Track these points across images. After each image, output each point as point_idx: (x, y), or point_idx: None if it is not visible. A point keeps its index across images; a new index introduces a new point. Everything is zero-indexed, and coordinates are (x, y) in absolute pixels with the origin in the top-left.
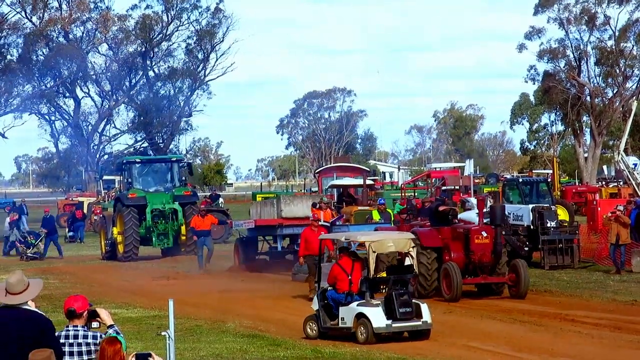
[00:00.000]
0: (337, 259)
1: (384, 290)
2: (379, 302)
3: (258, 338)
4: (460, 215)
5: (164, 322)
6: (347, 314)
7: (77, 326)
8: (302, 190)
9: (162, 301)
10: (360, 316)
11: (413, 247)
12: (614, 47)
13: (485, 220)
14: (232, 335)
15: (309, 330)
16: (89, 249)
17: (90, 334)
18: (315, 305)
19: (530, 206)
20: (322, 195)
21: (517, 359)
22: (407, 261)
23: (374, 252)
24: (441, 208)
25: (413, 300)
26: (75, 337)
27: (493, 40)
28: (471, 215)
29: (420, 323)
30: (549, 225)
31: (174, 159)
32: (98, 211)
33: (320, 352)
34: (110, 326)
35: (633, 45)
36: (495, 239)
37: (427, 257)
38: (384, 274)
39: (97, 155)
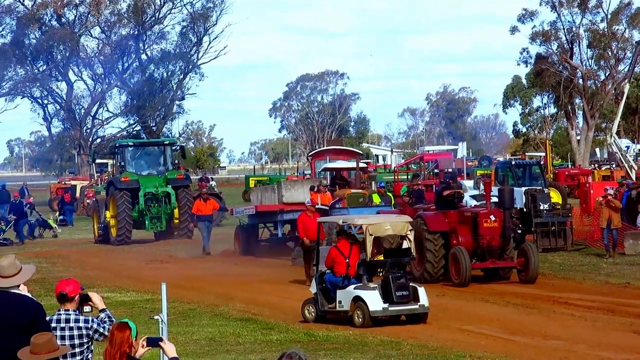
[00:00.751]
0: (336, 241)
1: (381, 274)
2: (376, 285)
3: (251, 322)
4: None
5: (157, 305)
6: (344, 297)
7: (68, 310)
8: (295, 174)
9: (154, 285)
10: (357, 299)
11: (411, 230)
12: (606, 29)
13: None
14: (225, 319)
15: (307, 313)
16: (81, 232)
17: (81, 317)
18: (313, 289)
19: (523, 189)
20: (322, 179)
21: (510, 341)
22: (405, 244)
23: (371, 235)
24: (446, 192)
25: (410, 284)
26: (67, 321)
27: (486, 23)
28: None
29: (417, 307)
30: (541, 207)
31: (167, 142)
32: (91, 195)
33: (314, 335)
34: (103, 310)
35: (625, 28)
36: (504, 222)
37: (434, 242)
38: (381, 257)
39: (90, 139)
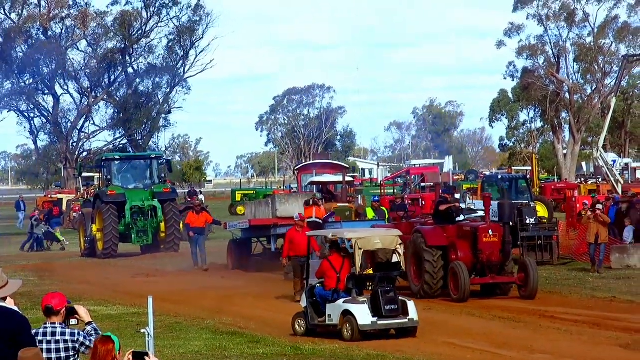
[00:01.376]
0: (328, 254)
1: (370, 288)
2: (365, 299)
3: (238, 335)
4: None
5: (143, 319)
6: (333, 311)
7: (54, 323)
8: (282, 187)
9: (141, 298)
10: (346, 313)
11: (400, 244)
12: (592, 43)
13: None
14: (212, 333)
15: (297, 327)
16: (67, 246)
17: (68, 331)
18: (303, 302)
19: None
20: (316, 192)
21: (496, 355)
22: (395, 258)
23: (360, 248)
24: (443, 207)
25: (399, 298)
26: (53, 334)
27: (472, 37)
28: None
29: (406, 320)
30: (528, 222)
31: (153, 155)
32: (77, 208)
33: (300, 349)
34: (89, 323)
35: (612, 42)
36: (503, 237)
37: (433, 256)
38: (370, 271)
39: (76, 152)
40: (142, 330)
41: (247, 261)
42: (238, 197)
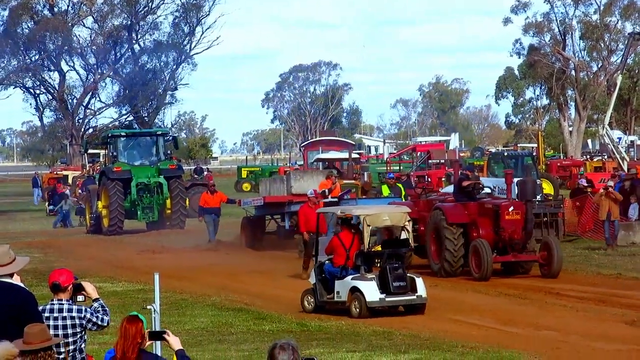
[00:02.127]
0: (339, 231)
1: (378, 264)
2: (374, 276)
3: (243, 312)
4: (444, 189)
5: (149, 295)
6: (342, 288)
7: (62, 300)
8: (288, 164)
9: (146, 275)
10: (355, 290)
11: (409, 221)
12: (598, 21)
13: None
14: (218, 309)
15: (306, 303)
16: (73, 222)
17: (75, 307)
18: (312, 279)
19: (516, 180)
20: (331, 170)
21: (502, 332)
22: (403, 235)
23: (369, 225)
24: (465, 183)
25: (408, 274)
26: (60, 310)
27: (479, 14)
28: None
29: (414, 297)
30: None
31: (159, 132)
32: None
33: (306, 325)
34: (96, 300)
35: (618, 20)
36: (526, 215)
37: (454, 234)
38: (378, 248)
39: (82, 129)
40: (148, 307)
41: (260, 239)
42: (244, 174)
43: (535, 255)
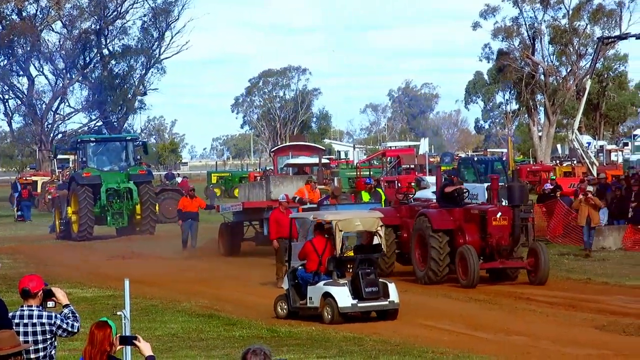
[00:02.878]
0: (312, 237)
1: (351, 270)
2: (346, 281)
3: (214, 318)
4: (416, 195)
5: (119, 301)
6: (314, 294)
7: (32, 306)
8: (258, 169)
9: (116, 281)
10: (327, 295)
11: (381, 226)
12: (567, 25)
13: (429, 198)
14: (188, 315)
15: (279, 309)
16: (42, 228)
17: (45, 313)
18: (285, 285)
19: (485, 185)
20: (310, 176)
21: (472, 337)
22: (376, 240)
23: (341, 230)
24: (448, 189)
25: (380, 280)
26: (30, 317)
27: (448, 19)
28: (427, 194)
29: (387, 303)
30: (503, 203)
31: (129, 137)
32: (52, 190)
33: (277, 331)
34: (66, 306)
35: (587, 24)
36: (513, 220)
37: (439, 241)
38: (351, 253)
39: (51, 134)
40: (119, 313)
41: (238, 245)
42: (214, 180)
43: (523, 261)
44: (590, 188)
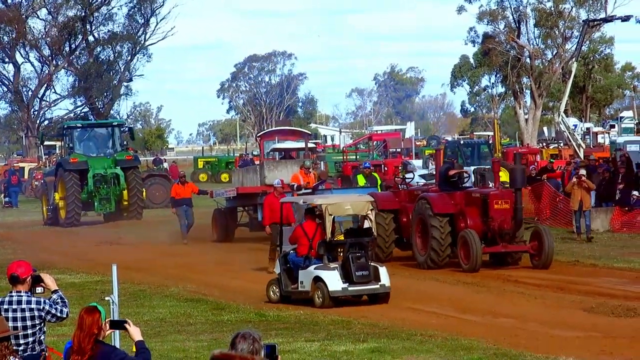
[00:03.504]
0: (303, 221)
1: (341, 254)
2: (336, 265)
3: (202, 302)
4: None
5: (107, 287)
6: (305, 278)
7: (20, 292)
8: (244, 154)
9: (104, 266)
10: (317, 280)
11: (372, 210)
12: (553, 8)
13: (421, 182)
14: (176, 300)
15: (271, 293)
16: (29, 214)
17: (33, 299)
18: (277, 269)
19: (472, 168)
20: (309, 159)
21: (460, 320)
22: (366, 224)
23: (330, 214)
24: (450, 172)
25: (371, 264)
26: (19, 302)
27: (433, 2)
28: (412, 178)
29: (378, 286)
30: (490, 186)
31: (115, 123)
32: (39, 177)
33: (264, 315)
34: (55, 291)
35: (572, 7)
36: (516, 204)
37: (440, 225)
38: (341, 237)
39: (38, 121)
40: (107, 298)
41: (232, 231)
42: (200, 165)
43: (526, 245)
44: (583, 172)
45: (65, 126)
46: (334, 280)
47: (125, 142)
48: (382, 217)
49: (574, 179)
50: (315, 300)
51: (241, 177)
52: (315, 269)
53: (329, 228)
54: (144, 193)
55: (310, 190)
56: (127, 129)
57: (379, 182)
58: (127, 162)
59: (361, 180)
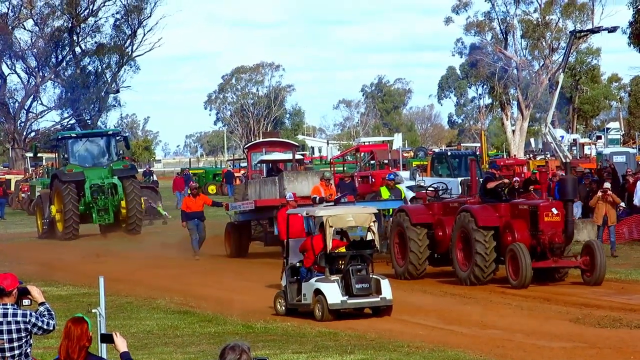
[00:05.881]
0: (316, 233)
1: (342, 266)
2: (337, 278)
3: (189, 314)
4: None
5: (94, 299)
6: (307, 290)
7: (6, 304)
8: (231, 166)
9: (91, 279)
10: (318, 292)
11: (374, 222)
12: (539, 19)
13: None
14: (163, 312)
15: (278, 306)
16: (16, 226)
17: (20, 311)
18: (283, 282)
19: (459, 179)
20: (327, 170)
21: (448, 331)
22: (369, 236)
23: (331, 226)
24: (491, 184)
25: (373, 276)
26: (5, 315)
27: (420, 14)
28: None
29: (378, 299)
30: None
31: (111, 132)
32: (26, 189)
33: (252, 327)
34: (42, 304)
35: (559, 18)
36: (566, 216)
37: (485, 238)
38: (343, 249)
39: (24, 133)
40: (94, 310)
41: (247, 246)
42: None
43: (577, 260)
44: (607, 185)
45: (59, 137)
46: (333, 293)
47: (121, 152)
48: (415, 232)
49: (599, 193)
50: (315, 313)
51: (258, 189)
52: (316, 281)
53: (330, 240)
54: (143, 203)
55: (333, 203)
56: (122, 138)
57: (403, 195)
58: (124, 171)
59: (385, 193)
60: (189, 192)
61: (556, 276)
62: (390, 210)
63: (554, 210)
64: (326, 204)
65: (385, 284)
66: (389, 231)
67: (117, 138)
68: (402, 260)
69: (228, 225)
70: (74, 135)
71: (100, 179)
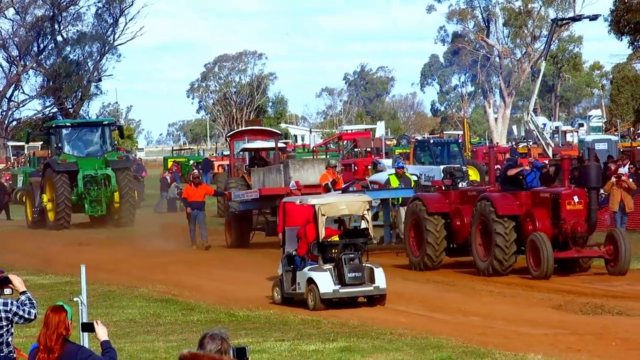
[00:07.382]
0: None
1: (335, 255)
2: (330, 267)
3: (171, 302)
4: (370, 177)
5: (76, 288)
6: (301, 279)
7: None
8: (214, 154)
9: (73, 267)
10: (310, 281)
11: (368, 210)
12: (521, 7)
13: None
14: (146, 300)
15: (275, 295)
16: None
17: (1, 300)
18: (279, 270)
19: (442, 167)
20: (333, 158)
21: (430, 319)
22: (363, 224)
23: (323, 215)
24: (512, 171)
25: (367, 265)
26: None
27: (403, 2)
28: (382, 177)
29: (371, 288)
30: (460, 185)
31: (105, 122)
32: (7, 177)
33: (234, 315)
34: (23, 292)
35: (541, 6)
36: (589, 204)
37: (505, 227)
38: (336, 238)
39: (6, 121)
40: (75, 299)
41: (248, 236)
42: (170, 165)
43: (600, 250)
44: (624, 170)
45: (53, 125)
46: (325, 282)
47: (116, 142)
48: (432, 223)
49: (613, 179)
50: (308, 302)
51: (262, 178)
52: (308, 270)
53: (322, 228)
54: (136, 194)
55: (340, 191)
56: (116, 127)
57: (412, 183)
58: (119, 162)
59: (394, 181)
60: (191, 180)
61: (577, 268)
62: (400, 199)
63: (576, 198)
64: (334, 192)
65: (379, 273)
66: (405, 220)
67: (112, 128)
68: (417, 251)
69: (229, 215)
70: (68, 124)
71: (94, 169)
